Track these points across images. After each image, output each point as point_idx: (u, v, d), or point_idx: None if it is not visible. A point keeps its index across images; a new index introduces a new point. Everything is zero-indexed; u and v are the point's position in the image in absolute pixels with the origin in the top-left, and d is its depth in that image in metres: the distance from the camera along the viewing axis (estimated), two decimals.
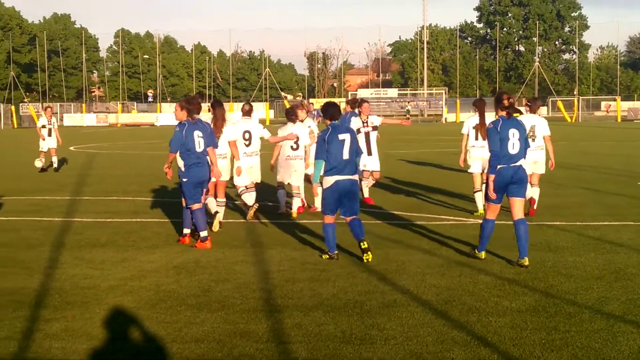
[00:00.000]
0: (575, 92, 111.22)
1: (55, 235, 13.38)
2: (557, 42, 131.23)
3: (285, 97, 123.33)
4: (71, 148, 25.69)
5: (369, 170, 16.91)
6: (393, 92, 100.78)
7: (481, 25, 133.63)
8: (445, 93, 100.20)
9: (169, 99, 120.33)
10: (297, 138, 15.22)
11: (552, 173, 22.51)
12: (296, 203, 15.34)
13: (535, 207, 15.10)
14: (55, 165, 25.94)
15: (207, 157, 12.56)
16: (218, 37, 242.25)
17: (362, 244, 10.89)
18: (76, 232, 13.75)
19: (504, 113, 10.81)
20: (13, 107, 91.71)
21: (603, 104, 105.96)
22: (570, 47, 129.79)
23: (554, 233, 12.94)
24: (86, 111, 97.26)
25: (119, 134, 46.57)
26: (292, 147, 15.31)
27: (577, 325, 7.75)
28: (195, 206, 12.17)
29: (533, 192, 14.99)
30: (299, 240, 12.63)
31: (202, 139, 12.35)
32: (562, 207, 16.08)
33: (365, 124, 16.60)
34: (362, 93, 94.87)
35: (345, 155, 11.05)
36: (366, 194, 16.93)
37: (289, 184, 15.50)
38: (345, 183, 11.05)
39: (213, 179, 13.08)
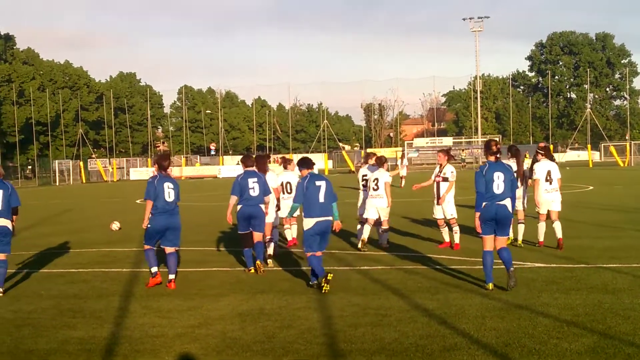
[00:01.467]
0: (627, 137, 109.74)
1: (123, 285, 13.55)
2: (608, 89, 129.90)
3: (343, 148, 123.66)
4: (137, 201, 26.01)
5: (441, 218, 17.31)
6: (448, 141, 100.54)
7: (533, 73, 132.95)
8: (500, 140, 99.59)
9: (230, 152, 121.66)
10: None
11: (607, 216, 22.33)
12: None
13: (561, 240, 16.27)
14: None
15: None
16: (277, 91, 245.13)
17: (327, 276, 12.16)
18: (144, 281, 13.86)
19: (492, 158, 12.20)
20: (82, 163, 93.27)
21: None
22: (621, 93, 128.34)
23: (611, 275, 12.75)
24: (151, 165, 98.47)
25: (183, 187, 47.14)
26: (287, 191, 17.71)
27: None
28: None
29: (556, 226, 16.43)
30: (360, 285, 12.61)
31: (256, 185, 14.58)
32: (619, 249, 15.84)
33: (438, 175, 17.38)
34: (418, 142, 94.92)
35: (321, 199, 12.59)
36: (446, 238, 17.41)
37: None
38: (322, 223, 12.62)
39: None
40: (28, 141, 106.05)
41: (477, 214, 12.01)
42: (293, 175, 17.88)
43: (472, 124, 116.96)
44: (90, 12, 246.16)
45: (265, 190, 14.76)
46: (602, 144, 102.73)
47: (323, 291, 12.04)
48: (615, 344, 8.46)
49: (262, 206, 14.75)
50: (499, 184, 11.93)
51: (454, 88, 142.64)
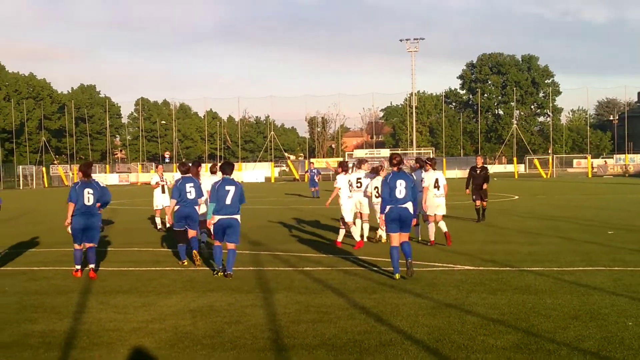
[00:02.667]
0: (549, 151, 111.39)
1: (82, 283, 13.36)
2: (532, 106, 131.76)
3: (289, 158, 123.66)
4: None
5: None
6: (386, 152, 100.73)
7: (464, 91, 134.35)
8: (433, 152, 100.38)
9: (183, 160, 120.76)
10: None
11: (530, 224, 22.67)
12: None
13: (449, 237, 17.99)
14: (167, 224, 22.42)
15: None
16: (228, 104, 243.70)
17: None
18: (101, 279, 13.72)
19: (395, 168, 13.39)
20: (44, 169, 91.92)
21: (575, 161, 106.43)
22: (545, 110, 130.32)
23: (533, 278, 12.90)
24: (110, 171, 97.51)
25: (139, 192, 46.62)
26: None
27: None
28: None
29: (441, 225, 18.21)
30: (302, 285, 12.60)
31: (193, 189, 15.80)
32: (540, 254, 16.05)
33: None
34: (358, 153, 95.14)
35: (228, 200, 13.68)
36: (431, 237, 18.31)
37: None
38: (229, 221, 13.74)
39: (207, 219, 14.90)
40: None
41: (382, 216, 13.26)
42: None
43: (408, 137, 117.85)
44: (54, 27, 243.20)
45: (199, 193, 16.00)
46: (527, 157, 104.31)
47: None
48: (537, 340, 8.55)
49: (197, 207, 15.96)
50: (401, 190, 13.14)
51: (391, 104, 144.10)
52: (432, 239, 18.14)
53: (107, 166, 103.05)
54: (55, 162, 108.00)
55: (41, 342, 8.92)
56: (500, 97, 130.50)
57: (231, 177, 14.10)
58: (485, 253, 16.27)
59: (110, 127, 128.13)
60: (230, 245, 13.83)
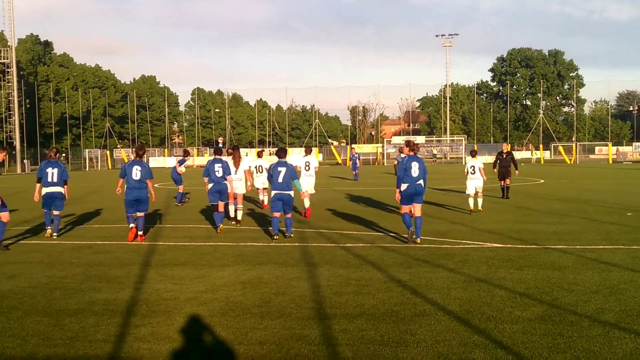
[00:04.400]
0: (573, 139, 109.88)
1: (142, 256, 13.50)
2: (558, 97, 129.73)
3: (332, 144, 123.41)
4: (155, 185, 25.99)
5: None
6: (421, 139, 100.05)
7: (494, 83, 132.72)
8: (465, 140, 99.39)
9: (237, 144, 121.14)
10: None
11: (555, 205, 22.44)
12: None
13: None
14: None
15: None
16: (276, 94, 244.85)
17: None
18: (160, 253, 13.86)
19: (410, 152, 14.86)
20: (108, 152, 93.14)
21: (597, 148, 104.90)
22: (569, 101, 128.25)
23: (557, 255, 12.76)
24: (168, 155, 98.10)
25: (194, 174, 46.88)
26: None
27: (578, 331, 7.64)
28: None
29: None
30: (343, 260, 12.59)
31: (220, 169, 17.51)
32: (565, 233, 15.86)
33: None
34: (396, 140, 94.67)
35: (280, 179, 15.46)
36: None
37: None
38: (283, 195, 15.47)
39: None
40: (63, 133, 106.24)
41: (398, 190, 14.62)
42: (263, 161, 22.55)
43: (442, 125, 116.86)
44: (119, 23, 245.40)
45: (227, 171, 17.52)
46: (552, 144, 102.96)
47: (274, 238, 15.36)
48: (560, 313, 8.46)
49: (225, 182, 17.56)
50: (415, 170, 14.49)
51: (427, 94, 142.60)
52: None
53: (166, 150, 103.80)
54: (118, 146, 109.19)
55: (105, 309, 9.03)
56: (528, 89, 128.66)
57: (284, 160, 15.88)
58: (513, 232, 16.12)
59: (169, 115, 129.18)
60: (287, 214, 15.74)
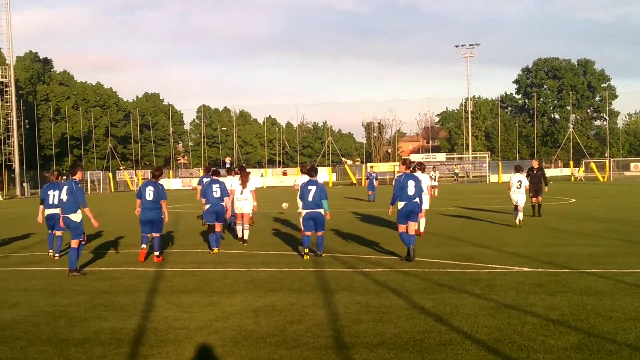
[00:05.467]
0: (606, 155, 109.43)
1: (149, 283, 13.53)
2: (588, 110, 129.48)
3: (346, 162, 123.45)
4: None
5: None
6: (441, 157, 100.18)
7: (519, 96, 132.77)
8: (488, 157, 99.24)
9: (244, 165, 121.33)
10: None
11: (589, 225, 22.31)
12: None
13: (423, 230, 21.05)
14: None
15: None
16: (286, 111, 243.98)
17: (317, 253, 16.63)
18: (167, 279, 13.88)
19: (407, 170, 16.06)
20: (111, 174, 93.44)
21: (632, 164, 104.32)
22: (601, 114, 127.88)
23: (593, 279, 12.68)
24: (173, 176, 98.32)
25: (192, 196, 47.18)
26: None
27: None
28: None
29: (421, 222, 20.82)
30: (361, 286, 12.56)
31: (218, 190, 18.57)
32: (600, 255, 15.77)
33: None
34: (414, 158, 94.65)
35: (310, 197, 16.48)
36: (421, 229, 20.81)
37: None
38: (313, 214, 16.50)
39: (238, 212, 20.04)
40: (63, 154, 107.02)
41: (391, 207, 16.13)
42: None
43: (464, 141, 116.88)
44: (120, 38, 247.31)
45: (224, 193, 18.64)
46: (584, 161, 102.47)
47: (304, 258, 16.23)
48: (598, 341, 8.39)
49: (222, 204, 18.52)
50: (411, 188, 15.60)
51: (447, 108, 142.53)
52: (422, 230, 20.94)
53: (171, 171, 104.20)
54: (121, 167, 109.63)
55: (111, 338, 9.05)
56: (556, 102, 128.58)
57: (315, 179, 17.09)
58: (543, 255, 16.03)
59: (173, 134, 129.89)
60: (319, 233, 16.65)
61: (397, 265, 14.97)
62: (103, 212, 39.09)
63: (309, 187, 16.70)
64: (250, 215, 20.78)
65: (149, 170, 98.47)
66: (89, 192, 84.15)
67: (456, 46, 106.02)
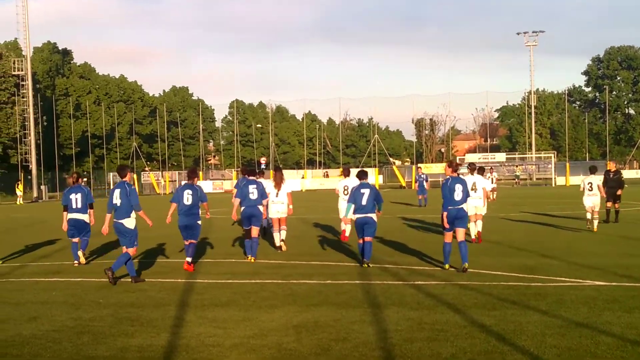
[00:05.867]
0: None
1: (179, 295, 13.63)
2: None
3: (394, 163, 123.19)
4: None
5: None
6: (501, 157, 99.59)
7: (589, 89, 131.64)
8: (554, 157, 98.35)
9: (281, 166, 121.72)
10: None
11: None
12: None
13: (480, 237, 21.64)
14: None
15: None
16: (327, 106, 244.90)
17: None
18: (198, 292, 13.97)
19: (454, 173, 16.31)
20: (135, 176, 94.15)
21: None
22: None
23: None
24: (203, 178, 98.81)
25: (227, 199, 47.43)
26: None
27: None
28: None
29: (478, 225, 21.76)
30: (414, 300, 12.52)
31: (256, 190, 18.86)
32: None
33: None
34: (470, 158, 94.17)
35: (364, 201, 17.01)
36: (472, 235, 21.57)
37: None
38: (367, 219, 17.01)
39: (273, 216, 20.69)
40: (84, 154, 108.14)
41: (445, 213, 16.02)
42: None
43: (526, 139, 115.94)
44: (145, 28, 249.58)
45: (261, 194, 18.94)
46: None
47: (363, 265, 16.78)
48: None
49: (260, 207, 18.81)
50: (458, 193, 15.99)
51: (507, 103, 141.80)
52: (473, 237, 21.48)
53: (201, 173, 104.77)
54: (147, 168, 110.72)
55: (139, 356, 9.13)
56: (631, 95, 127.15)
57: (367, 181, 17.57)
58: (619, 267, 15.84)
59: (204, 132, 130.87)
60: (367, 239, 17.02)
61: (453, 278, 14.90)
62: None
63: (362, 191, 17.18)
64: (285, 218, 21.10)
65: (167, 173, 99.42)
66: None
67: (518, 34, 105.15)
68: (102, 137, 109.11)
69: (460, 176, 16.90)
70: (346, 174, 23.35)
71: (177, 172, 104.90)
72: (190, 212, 17.01)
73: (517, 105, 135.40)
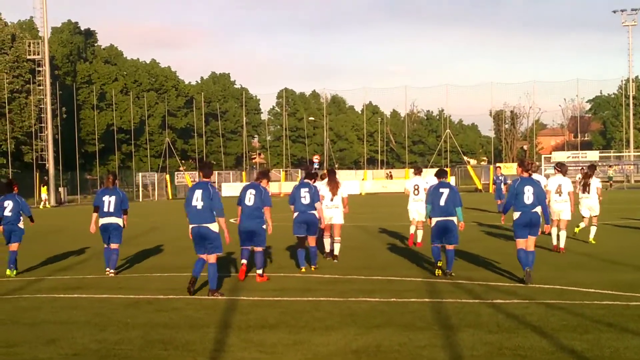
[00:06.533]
0: None
1: (220, 315, 13.73)
2: None
3: (468, 162, 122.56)
4: (231, 220, 26.15)
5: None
6: (593, 155, 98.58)
7: None
8: None
9: (337, 165, 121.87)
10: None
11: None
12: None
13: (563, 246, 22.06)
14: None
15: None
16: (391, 96, 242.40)
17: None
18: (242, 311, 14.06)
19: (525, 174, 16.78)
20: (168, 176, 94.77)
21: None
22: None
23: None
24: (247, 180, 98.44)
25: (282, 205, 47.39)
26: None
27: None
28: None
29: (562, 235, 22.09)
30: (492, 321, 12.50)
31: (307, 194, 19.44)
32: None
33: None
34: (557, 156, 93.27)
35: (442, 202, 17.64)
36: (554, 241, 22.61)
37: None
38: (447, 222, 17.71)
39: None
40: (109, 151, 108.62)
41: (503, 216, 17.83)
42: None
43: (623, 135, 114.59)
44: (180, 4, 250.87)
45: (315, 198, 19.37)
46: None
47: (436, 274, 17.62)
48: None
49: (315, 212, 19.39)
50: (528, 195, 16.42)
51: (601, 93, 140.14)
52: (555, 243, 22.37)
53: (244, 173, 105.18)
54: (182, 168, 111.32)
55: None
56: None
57: (447, 181, 18.34)
58: None
59: (248, 125, 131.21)
60: (449, 247, 17.85)
61: (537, 296, 14.83)
62: (160, 225, 39.84)
63: (441, 190, 17.86)
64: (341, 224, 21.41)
65: (215, 172, 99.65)
66: (140, 199, 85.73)
67: (614, 12, 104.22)
68: (130, 131, 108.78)
69: (534, 177, 17.70)
70: (417, 172, 24.19)
71: (216, 172, 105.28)
72: (253, 214, 17.61)
73: (613, 96, 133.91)
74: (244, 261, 17.90)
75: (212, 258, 15.80)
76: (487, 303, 14.24)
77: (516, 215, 16.61)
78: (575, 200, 22.81)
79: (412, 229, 24.58)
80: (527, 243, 16.58)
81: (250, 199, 17.61)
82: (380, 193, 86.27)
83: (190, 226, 15.98)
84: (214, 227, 15.81)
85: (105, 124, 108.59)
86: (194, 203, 15.84)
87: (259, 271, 17.68)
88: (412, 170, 25.71)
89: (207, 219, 15.77)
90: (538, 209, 16.56)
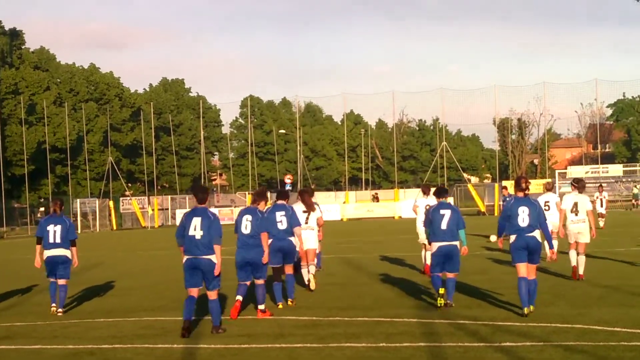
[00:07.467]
0: None
1: None
2: None
3: (468, 180, 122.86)
4: None
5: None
6: (616, 169, 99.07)
7: None
8: None
9: (314, 186, 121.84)
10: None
11: None
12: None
13: (582, 272, 22.59)
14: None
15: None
16: (377, 102, 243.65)
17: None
18: None
19: (520, 193, 17.25)
20: (111, 203, 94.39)
21: None
22: None
23: None
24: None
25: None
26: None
27: None
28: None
29: (580, 260, 22.72)
30: None
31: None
32: None
33: None
34: (574, 171, 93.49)
35: (443, 225, 18.22)
36: (573, 263, 23.17)
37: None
38: (449, 247, 18.32)
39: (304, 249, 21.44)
40: (40, 174, 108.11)
41: (500, 239, 18.72)
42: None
43: None
44: (125, 1, 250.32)
45: (292, 221, 19.70)
46: None
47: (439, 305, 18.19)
48: None
49: (292, 238, 19.79)
50: (523, 217, 16.91)
51: (623, 96, 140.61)
52: (573, 264, 23.00)
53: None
54: (128, 193, 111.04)
55: None
56: None
57: (447, 201, 18.99)
58: None
59: (206, 141, 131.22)
60: (450, 275, 18.59)
61: (554, 337, 14.88)
62: (103, 261, 39.72)
63: (441, 212, 18.52)
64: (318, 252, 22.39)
65: (156, 199, 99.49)
66: (79, 230, 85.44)
67: (638, 0, 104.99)
68: (66, 150, 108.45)
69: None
70: (426, 191, 25.48)
71: (169, 197, 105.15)
72: (252, 243, 18.01)
73: (638, 99, 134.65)
74: (240, 297, 18.09)
75: (212, 294, 16.24)
76: (494, 347, 14.26)
77: (512, 238, 17.16)
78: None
79: (423, 254, 25.38)
80: (527, 269, 17.03)
81: (247, 225, 17.96)
82: (365, 218, 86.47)
83: (186, 257, 16.31)
84: (215, 258, 16.10)
85: (35, 141, 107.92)
86: (191, 232, 16.07)
87: (261, 307, 18.19)
88: (423, 190, 26.56)
89: (207, 250, 16.11)
90: (536, 233, 17.06)
